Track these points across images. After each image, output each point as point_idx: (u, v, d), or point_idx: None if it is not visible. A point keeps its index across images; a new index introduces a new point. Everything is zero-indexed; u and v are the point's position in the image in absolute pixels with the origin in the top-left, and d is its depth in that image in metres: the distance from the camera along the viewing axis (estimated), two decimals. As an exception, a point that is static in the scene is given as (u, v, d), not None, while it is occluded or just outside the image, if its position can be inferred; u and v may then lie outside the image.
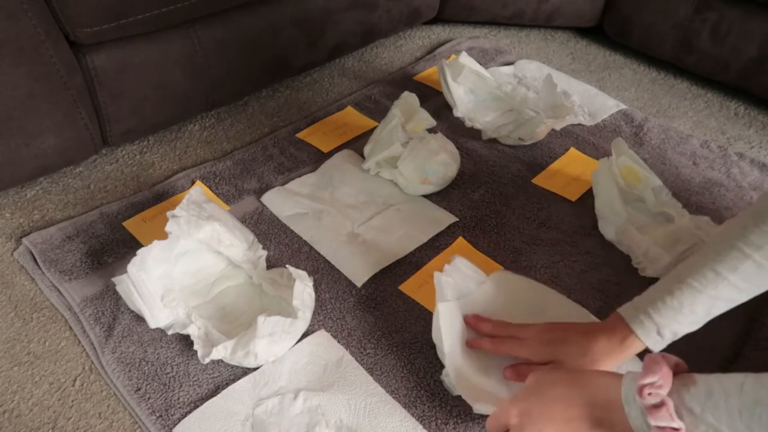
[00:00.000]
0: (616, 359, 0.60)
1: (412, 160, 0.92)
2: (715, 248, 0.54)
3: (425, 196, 0.96)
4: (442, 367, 0.70)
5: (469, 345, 0.71)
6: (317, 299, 0.79)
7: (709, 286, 0.53)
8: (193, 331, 0.71)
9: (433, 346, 0.73)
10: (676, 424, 0.45)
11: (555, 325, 0.66)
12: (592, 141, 1.10)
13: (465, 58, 1.14)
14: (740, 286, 0.53)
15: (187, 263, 0.79)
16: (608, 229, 0.89)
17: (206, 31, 0.97)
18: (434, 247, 0.88)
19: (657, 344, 0.57)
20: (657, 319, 0.55)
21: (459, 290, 0.75)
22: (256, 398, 0.68)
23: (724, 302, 0.55)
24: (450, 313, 0.70)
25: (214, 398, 0.68)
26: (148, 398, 0.68)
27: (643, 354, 0.55)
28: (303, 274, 0.75)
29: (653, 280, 0.82)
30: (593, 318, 0.74)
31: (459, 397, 0.68)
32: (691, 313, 0.55)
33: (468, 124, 1.10)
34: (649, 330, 0.56)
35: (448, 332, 0.69)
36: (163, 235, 0.75)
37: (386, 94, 1.21)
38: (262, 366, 0.71)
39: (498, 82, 1.16)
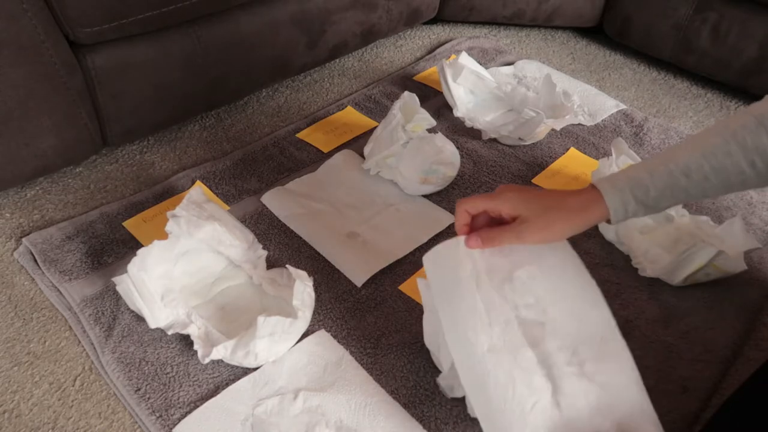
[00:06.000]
0: (575, 219, 0.56)
1: (412, 160, 0.92)
2: (709, 141, 0.51)
3: (425, 196, 0.96)
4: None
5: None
6: (317, 299, 0.79)
7: (690, 183, 0.51)
8: (193, 331, 0.71)
9: (432, 346, 0.73)
10: None
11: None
12: (592, 141, 1.10)
13: (465, 58, 1.14)
14: (716, 184, 0.51)
15: (187, 263, 0.79)
16: (608, 229, 0.89)
17: (206, 31, 0.97)
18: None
19: (617, 215, 0.54)
20: (628, 190, 0.53)
21: (444, 284, 0.63)
22: (256, 398, 0.68)
23: (694, 196, 0.53)
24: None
25: (214, 398, 0.68)
26: (148, 398, 0.68)
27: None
28: (303, 274, 0.75)
29: (653, 280, 0.83)
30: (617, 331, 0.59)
31: (458, 398, 0.68)
32: (660, 198, 0.53)
33: (468, 124, 1.10)
34: (613, 196, 0.53)
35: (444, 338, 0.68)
36: (163, 235, 0.75)
37: (386, 94, 1.21)
38: (262, 366, 0.71)
39: (498, 82, 1.16)
